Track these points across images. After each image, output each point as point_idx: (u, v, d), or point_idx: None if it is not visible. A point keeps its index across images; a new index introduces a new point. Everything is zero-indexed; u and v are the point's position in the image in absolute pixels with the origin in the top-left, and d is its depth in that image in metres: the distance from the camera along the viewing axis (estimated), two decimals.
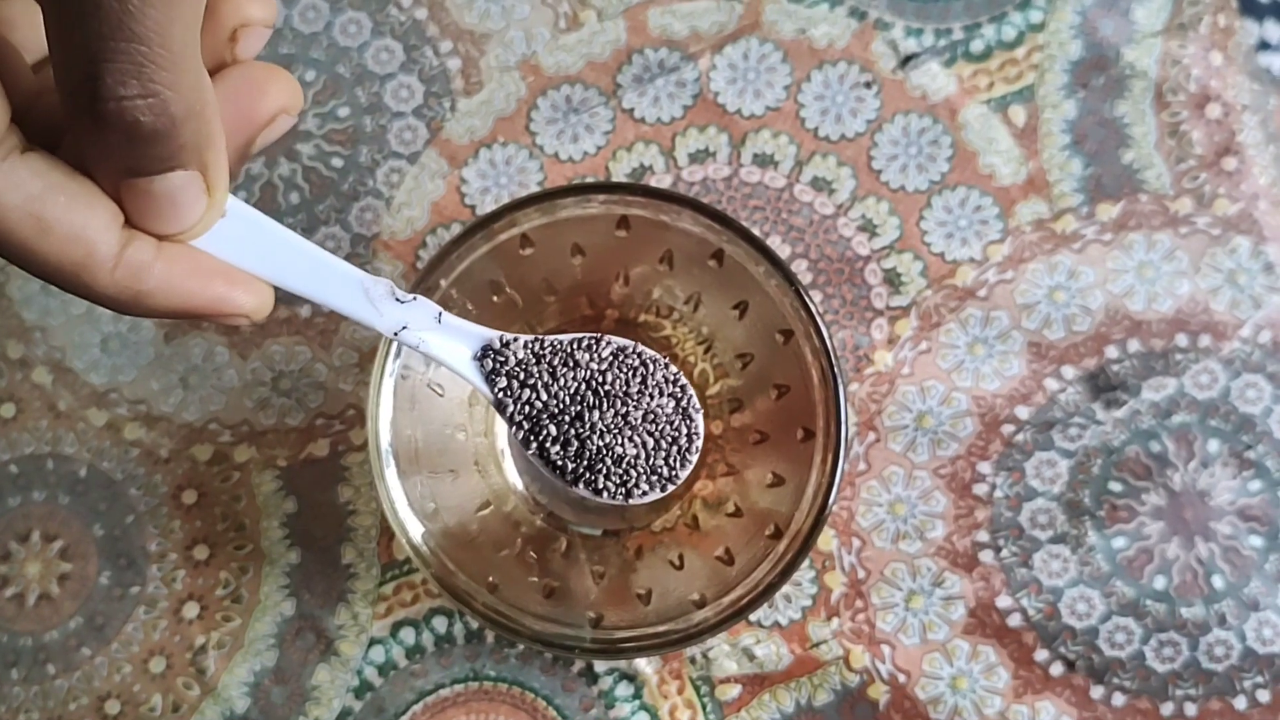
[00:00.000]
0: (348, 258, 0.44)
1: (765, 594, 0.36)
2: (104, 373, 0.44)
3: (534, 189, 0.45)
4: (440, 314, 0.31)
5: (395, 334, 0.30)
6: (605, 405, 0.33)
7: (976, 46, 0.45)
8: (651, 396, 0.33)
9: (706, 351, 0.43)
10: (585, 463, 0.32)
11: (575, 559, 0.41)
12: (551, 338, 0.33)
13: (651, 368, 0.33)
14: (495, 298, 0.40)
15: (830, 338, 0.37)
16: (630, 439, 0.33)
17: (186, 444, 0.44)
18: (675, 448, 0.33)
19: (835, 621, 0.42)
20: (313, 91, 0.45)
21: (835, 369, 0.36)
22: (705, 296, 0.41)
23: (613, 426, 0.33)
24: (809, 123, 0.44)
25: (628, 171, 0.45)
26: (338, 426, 0.44)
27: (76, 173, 0.23)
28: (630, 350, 0.33)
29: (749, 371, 0.41)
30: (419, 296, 0.30)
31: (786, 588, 0.42)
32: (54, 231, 0.23)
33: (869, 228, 0.44)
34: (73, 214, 0.23)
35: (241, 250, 0.26)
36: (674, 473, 0.33)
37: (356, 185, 0.45)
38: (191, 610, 0.43)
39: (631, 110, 0.45)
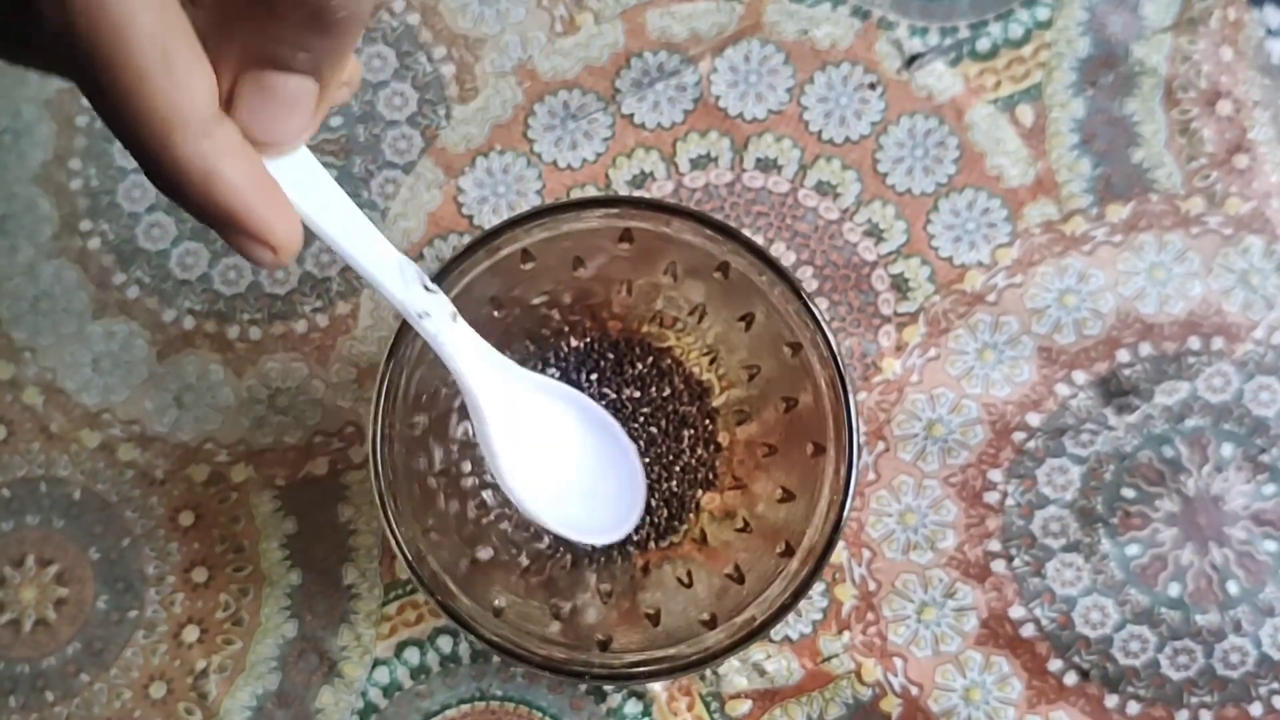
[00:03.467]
0: (342, 271, 0.43)
1: (779, 614, 0.35)
2: (96, 393, 0.43)
3: (532, 198, 0.44)
4: (455, 314, 0.31)
5: (420, 316, 0.29)
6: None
7: (983, 45, 0.44)
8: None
9: (712, 363, 0.42)
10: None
11: (581, 577, 0.40)
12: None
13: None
14: (496, 312, 0.39)
15: (838, 347, 0.36)
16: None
17: (182, 464, 0.43)
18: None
19: (846, 635, 0.42)
20: None
21: (844, 379, 0.35)
22: (710, 308, 0.40)
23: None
24: (812, 126, 0.44)
25: (628, 179, 0.44)
26: (337, 444, 0.43)
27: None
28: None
29: (756, 383, 0.41)
30: (440, 291, 0.30)
31: None
32: (173, 72, 0.21)
33: (875, 232, 0.43)
34: (194, 63, 0.21)
35: (299, 188, 0.25)
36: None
37: (351, 197, 0.43)
38: (191, 634, 0.42)
39: (631, 116, 0.44)
